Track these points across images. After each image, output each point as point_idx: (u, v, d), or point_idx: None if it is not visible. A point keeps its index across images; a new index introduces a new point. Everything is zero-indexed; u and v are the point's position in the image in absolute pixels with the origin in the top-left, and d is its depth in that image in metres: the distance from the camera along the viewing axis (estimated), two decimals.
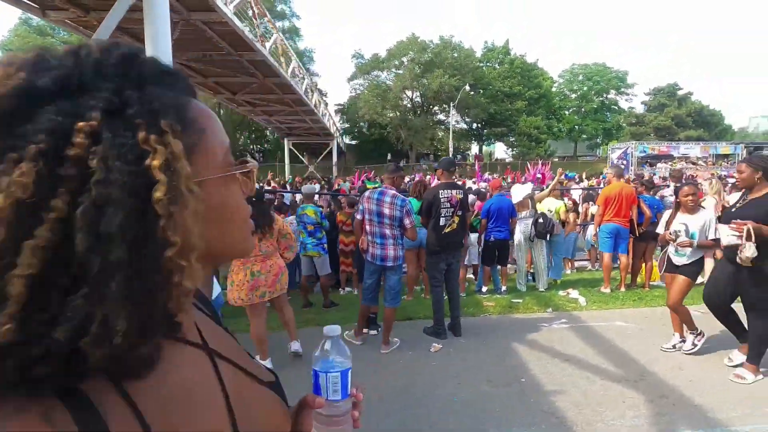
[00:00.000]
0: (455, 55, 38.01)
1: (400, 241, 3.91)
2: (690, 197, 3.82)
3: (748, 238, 3.05)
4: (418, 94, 39.73)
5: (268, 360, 3.55)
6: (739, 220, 3.13)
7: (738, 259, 3.15)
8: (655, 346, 4.03)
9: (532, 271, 6.58)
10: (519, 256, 6.35)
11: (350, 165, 40.67)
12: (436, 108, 41.75)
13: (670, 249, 3.88)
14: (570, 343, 4.27)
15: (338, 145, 37.24)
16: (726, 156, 29.98)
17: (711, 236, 3.65)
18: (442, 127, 42.97)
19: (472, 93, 41.22)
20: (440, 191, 4.22)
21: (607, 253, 6.06)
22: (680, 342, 3.91)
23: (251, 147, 48.90)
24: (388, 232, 3.86)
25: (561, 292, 5.99)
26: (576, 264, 8.10)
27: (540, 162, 20.50)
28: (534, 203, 6.08)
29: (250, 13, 11.09)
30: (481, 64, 43.78)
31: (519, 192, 6.17)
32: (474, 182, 15.64)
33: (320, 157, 34.75)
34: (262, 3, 12.29)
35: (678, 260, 3.85)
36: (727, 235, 3.23)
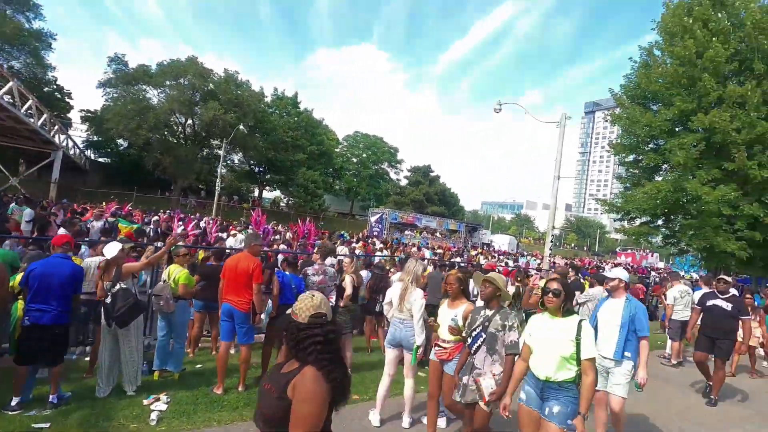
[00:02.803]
0: (238, 92, 36.20)
1: None
2: None
3: None
4: (191, 122, 35.76)
5: None
6: None
7: None
8: None
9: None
10: (104, 345, 4.38)
11: (91, 186, 32.78)
12: (216, 142, 38.38)
13: None
14: None
15: (71, 158, 29.41)
16: (454, 231, 36.88)
17: None
18: (223, 163, 39.61)
19: (257, 135, 39.83)
20: None
21: (224, 342, 4.72)
22: None
23: None
24: None
25: (150, 398, 4.26)
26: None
27: (307, 219, 19.75)
28: (120, 272, 4.27)
29: None
30: (270, 110, 43.34)
31: (108, 252, 4.32)
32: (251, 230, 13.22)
33: (31, 170, 26.32)
34: None
35: None
36: None
